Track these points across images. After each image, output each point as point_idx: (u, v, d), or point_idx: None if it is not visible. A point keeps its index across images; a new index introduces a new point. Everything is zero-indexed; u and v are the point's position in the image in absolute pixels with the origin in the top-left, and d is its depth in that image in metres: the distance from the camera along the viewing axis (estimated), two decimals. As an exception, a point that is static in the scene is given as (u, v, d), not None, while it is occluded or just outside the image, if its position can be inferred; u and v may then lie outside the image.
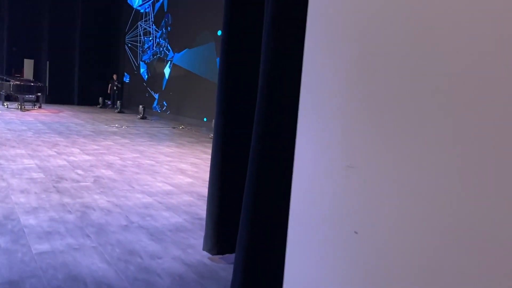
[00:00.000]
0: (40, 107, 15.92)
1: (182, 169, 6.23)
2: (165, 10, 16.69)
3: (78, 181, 5.00)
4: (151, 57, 17.85)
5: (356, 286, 1.16)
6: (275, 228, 2.22)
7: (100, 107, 18.92)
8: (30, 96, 15.43)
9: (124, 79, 20.51)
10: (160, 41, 17.06)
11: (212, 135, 10.43)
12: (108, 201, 4.26)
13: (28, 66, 20.21)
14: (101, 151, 7.29)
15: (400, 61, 1.14)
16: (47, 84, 18.77)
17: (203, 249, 2.99)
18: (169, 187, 5.04)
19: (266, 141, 2.19)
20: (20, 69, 19.87)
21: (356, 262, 1.16)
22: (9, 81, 15.44)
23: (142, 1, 18.57)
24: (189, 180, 5.53)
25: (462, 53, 0.97)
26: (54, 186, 4.67)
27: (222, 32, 2.81)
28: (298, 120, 1.63)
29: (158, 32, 17.24)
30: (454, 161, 0.97)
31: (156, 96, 17.21)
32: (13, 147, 7.09)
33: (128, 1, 19.83)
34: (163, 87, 16.65)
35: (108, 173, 5.59)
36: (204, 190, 5.00)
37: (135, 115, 15.69)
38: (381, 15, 1.23)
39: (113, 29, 20.53)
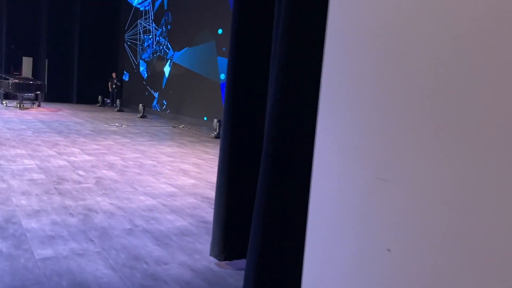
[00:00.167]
0: (39, 105, 15.82)
1: (185, 169, 6.16)
2: (165, 8, 16.58)
3: (79, 182, 4.92)
4: (151, 55, 17.75)
5: (389, 307, 1.10)
6: (289, 233, 2.15)
7: (99, 106, 18.81)
8: (29, 94, 15.32)
9: (124, 77, 20.40)
10: (160, 39, 16.96)
11: (213, 134, 10.35)
12: (111, 203, 4.19)
13: (27, 64, 20.07)
14: (101, 151, 7.21)
15: (442, 63, 1.07)
16: (45, 82, 18.65)
17: (210, 255, 2.92)
18: (172, 189, 4.96)
19: (280, 144, 2.12)
20: (18, 67, 19.73)
21: (389, 283, 1.09)
22: (8, 79, 15.32)
23: (142, -1, 18.47)
24: (192, 181, 5.45)
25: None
26: (55, 188, 4.59)
27: (231, 32, 2.74)
28: (318, 123, 1.56)
29: (158, 30, 17.13)
30: (498, 175, 0.90)
31: (156, 94, 17.11)
32: (13, 146, 7.00)
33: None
34: (163, 85, 16.55)
35: (110, 174, 5.51)
36: (208, 192, 4.93)
37: (134, 114, 15.60)
38: (411, 10, 1.16)
39: (113, 27, 20.41)
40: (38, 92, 15.63)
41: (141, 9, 18.58)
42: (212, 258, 2.95)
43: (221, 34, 13.02)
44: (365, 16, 1.32)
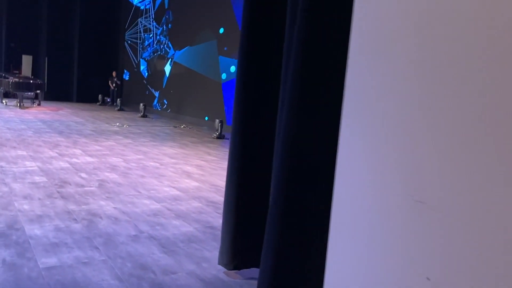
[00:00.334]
0: (39, 104, 15.73)
1: (188, 171, 6.08)
2: (166, 7, 16.48)
3: (82, 186, 4.84)
4: (152, 54, 17.65)
5: None
6: (306, 244, 2.08)
7: (100, 105, 18.71)
8: (29, 93, 15.23)
9: (124, 76, 20.30)
10: (160, 38, 16.86)
11: (214, 135, 10.27)
12: (115, 207, 4.11)
13: (27, 62, 19.96)
14: (103, 152, 7.13)
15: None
16: (45, 81, 18.54)
17: (219, 264, 2.84)
18: (176, 192, 4.88)
19: (298, 145, 2.04)
20: (18, 65, 19.62)
21: (431, 315, 1.01)
22: (7, 78, 15.22)
23: (143, -2, 18.36)
24: (196, 184, 5.38)
25: None
26: (58, 191, 4.51)
27: (241, 31, 2.65)
28: (341, 133, 1.48)
29: (158, 29, 17.04)
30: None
31: (157, 94, 17.02)
32: (14, 147, 6.92)
33: (128, -2, 19.62)
34: (164, 85, 16.47)
35: (113, 176, 5.43)
36: (212, 195, 4.85)
37: (135, 113, 15.51)
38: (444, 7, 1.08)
39: (113, 25, 20.30)
40: (38, 91, 15.53)
41: (142, 7, 18.47)
42: (220, 267, 2.88)
43: (222, 33, 12.93)
44: (396, 16, 1.25)
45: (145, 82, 18.09)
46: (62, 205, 4.06)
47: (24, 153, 6.54)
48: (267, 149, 2.59)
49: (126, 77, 20.17)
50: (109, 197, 4.45)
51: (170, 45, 16.14)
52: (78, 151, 7.04)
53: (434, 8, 1.14)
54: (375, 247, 1.23)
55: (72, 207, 4.03)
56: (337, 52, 1.96)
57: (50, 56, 19.50)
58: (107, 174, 5.54)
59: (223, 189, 5.11)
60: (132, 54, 19.44)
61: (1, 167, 5.46)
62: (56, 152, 6.78)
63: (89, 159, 6.46)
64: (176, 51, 15.64)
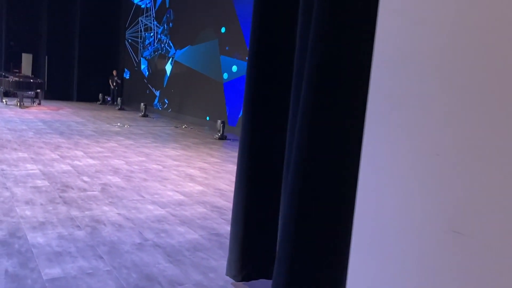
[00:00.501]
0: (39, 103, 15.64)
1: (191, 175, 6.01)
2: (167, 6, 16.38)
3: (84, 190, 4.77)
4: (152, 53, 17.56)
5: None
6: (322, 256, 2.02)
7: (100, 104, 18.62)
8: (30, 92, 15.14)
9: (124, 75, 20.21)
10: (161, 37, 16.77)
11: (216, 135, 10.20)
12: (119, 213, 4.04)
13: (27, 60, 19.85)
14: (105, 154, 7.06)
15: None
16: (45, 80, 18.45)
17: (227, 274, 2.78)
18: (180, 197, 4.82)
19: (314, 147, 1.97)
20: (18, 64, 19.52)
21: None
22: (7, 77, 15.14)
23: (143, -4, 18.25)
24: (200, 188, 5.31)
25: None
26: (60, 196, 4.44)
27: (251, 30, 2.57)
28: (364, 150, 1.41)
29: (159, 28, 16.94)
30: None
31: (157, 93, 16.94)
32: (15, 149, 6.85)
33: (129, -4, 19.52)
34: (165, 84, 16.38)
35: (115, 180, 5.36)
36: (217, 200, 4.79)
37: (136, 113, 15.43)
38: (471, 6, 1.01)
39: (113, 24, 20.19)
40: (39, 91, 15.44)
41: (142, 6, 18.37)
42: (228, 277, 2.81)
43: (224, 33, 12.85)
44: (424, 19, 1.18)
45: (145, 81, 18.00)
46: (65, 211, 3.99)
47: (25, 155, 6.47)
48: (277, 155, 2.52)
49: (127, 76, 20.08)
50: (112, 202, 4.38)
51: (171, 44, 16.05)
52: (79, 153, 6.97)
53: (460, 12, 1.07)
54: (402, 273, 1.16)
55: (75, 213, 3.96)
56: (355, 55, 1.89)
57: (50, 54, 19.40)
58: (109, 177, 5.47)
59: (228, 194, 5.08)
60: (133, 53, 19.35)
61: (2, 170, 5.39)
62: (58, 154, 6.71)
63: (91, 161, 6.39)
64: (177, 50, 15.55)
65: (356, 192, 1.97)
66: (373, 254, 1.33)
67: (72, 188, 4.80)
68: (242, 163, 2.65)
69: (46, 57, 19.44)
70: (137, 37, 18.97)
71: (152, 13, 17.55)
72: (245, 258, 2.67)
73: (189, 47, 14.75)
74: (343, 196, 1.95)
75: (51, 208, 4.05)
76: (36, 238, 3.29)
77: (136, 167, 6.24)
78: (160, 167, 6.39)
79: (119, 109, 16.56)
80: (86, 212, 4.00)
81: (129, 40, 19.67)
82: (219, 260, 3.14)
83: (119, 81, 19.09)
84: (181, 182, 5.54)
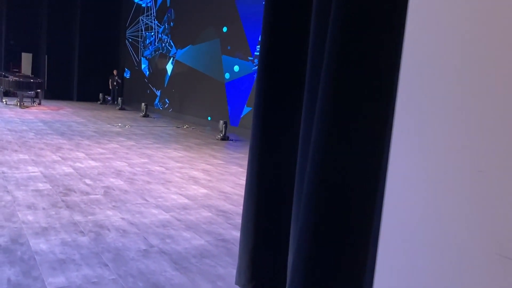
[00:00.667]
0: (39, 103, 15.55)
1: (195, 177, 5.92)
2: (168, 5, 16.29)
3: (87, 193, 4.69)
4: (153, 53, 17.47)
5: None
6: (340, 265, 1.94)
7: (100, 104, 18.52)
8: (30, 92, 15.05)
9: (125, 74, 20.12)
10: (162, 36, 16.68)
11: (219, 136, 10.11)
12: (122, 218, 3.96)
13: (26, 60, 19.75)
14: (107, 156, 6.97)
15: None
16: (45, 79, 18.34)
17: (236, 283, 2.69)
18: (184, 200, 4.73)
19: (329, 170, 1.89)
20: (18, 63, 19.42)
21: None
22: (7, 77, 15.04)
23: (144, -5, 18.15)
24: (204, 191, 5.22)
25: None
26: (62, 200, 4.36)
27: (262, 29, 2.47)
28: (392, 155, 1.33)
29: (160, 27, 16.85)
30: None
31: (158, 93, 16.85)
32: (16, 151, 6.76)
33: (129, -5, 19.42)
34: (165, 84, 16.29)
35: (118, 182, 5.28)
36: (222, 204, 4.70)
37: (136, 113, 15.34)
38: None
39: (113, 23, 20.09)
40: (39, 90, 15.35)
41: (143, 5, 18.28)
42: (237, 286, 2.73)
43: (226, 32, 12.76)
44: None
45: (146, 81, 17.91)
46: (67, 215, 3.91)
47: (26, 157, 6.38)
48: (289, 158, 2.43)
49: (127, 75, 19.98)
50: (115, 206, 4.30)
51: (172, 43, 15.96)
52: (81, 155, 6.88)
53: (494, 4, 1.00)
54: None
55: (78, 217, 3.87)
56: (375, 57, 1.81)
57: (50, 54, 19.31)
58: (112, 180, 5.38)
59: (233, 197, 5.00)
60: (133, 53, 19.25)
61: (3, 172, 5.31)
62: (59, 156, 6.62)
63: (92, 163, 6.30)
64: (178, 49, 15.46)
65: (374, 202, 1.90)
66: (401, 275, 1.25)
67: (75, 192, 4.72)
68: (252, 170, 2.56)
69: (46, 56, 19.34)
70: (137, 37, 18.87)
71: (153, 12, 17.46)
72: (256, 267, 2.58)
73: (190, 47, 14.66)
74: (361, 206, 1.87)
75: (53, 212, 3.96)
76: (39, 244, 3.20)
77: (138, 169, 6.16)
78: (163, 169, 6.30)
79: (120, 109, 16.47)
80: (90, 217, 3.92)
81: (130, 40, 19.58)
82: (227, 267, 3.06)
83: (119, 80, 19.00)
84: (184, 184, 5.46)
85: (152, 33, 17.51)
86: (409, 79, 1.29)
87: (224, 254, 3.31)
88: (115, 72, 18.87)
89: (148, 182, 5.41)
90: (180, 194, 4.96)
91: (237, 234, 3.75)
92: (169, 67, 16.09)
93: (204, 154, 7.88)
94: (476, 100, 1.06)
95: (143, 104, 14.82)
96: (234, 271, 2.82)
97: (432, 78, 1.22)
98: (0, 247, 3.09)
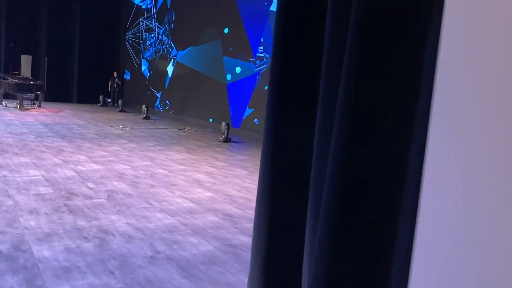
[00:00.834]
0: (39, 106, 15.44)
1: (199, 180, 5.83)
2: (168, 6, 16.20)
3: (90, 197, 4.59)
4: (153, 54, 17.37)
5: None
6: (364, 274, 1.84)
7: (100, 106, 18.41)
8: (30, 94, 14.94)
9: (125, 76, 20.02)
10: (163, 38, 16.59)
11: (221, 138, 10.01)
12: (127, 223, 3.86)
13: (26, 62, 19.66)
14: (109, 159, 6.87)
15: None
16: (45, 81, 18.23)
17: (248, 292, 2.59)
18: (189, 204, 4.63)
19: (350, 175, 1.79)
20: (17, 65, 19.32)
21: None
22: (7, 79, 14.94)
23: (144, -3, 18.07)
24: (209, 194, 5.12)
25: None
26: (65, 204, 4.26)
27: (275, 29, 2.38)
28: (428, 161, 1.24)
29: (160, 29, 16.76)
30: None
31: (159, 94, 16.75)
32: (16, 154, 6.66)
33: (129, -3, 19.34)
34: (166, 85, 16.19)
35: (121, 186, 5.18)
36: (228, 208, 4.61)
37: (137, 115, 15.24)
38: None
39: (113, 25, 19.99)
40: (39, 92, 15.24)
41: (143, 7, 18.19)
42: (248, 295, 2.63)
43: (227, 33, 12.67)
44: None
45: (146, 82, 17.81)
46: (71, 220, 3.81)
47: (27, 160, 6.28)
48: (304, 162, 2.33)
49: (127, 77, 19.89)
50: (119, 211, 4.20)
51: (172, 45, 15.87)
52: (83, 157, 6.78)
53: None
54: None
55: (81, 222, 3.77)
56: (403, 49, 1.71)
57: (50, 56, 19.20)
58: (115, 183, 5.28)
59: (238, 200, 4.90)
60: (134, 54, 19.16)
61: (4, 176, 5.21)
62: (60, 159, 6.52)
63: (94, 166, 6.20)
64: (179, 51, 15.37)
65: (399, 206, 1.80)
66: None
67: (77, 196, 4.61)
68: (266, 172, 2.46)
69: (46, 58, 19.24)
70: (137, 38, 18.78)
71: (153, 14, 17.37)
72: (269, 276, 2.48)
73: (191, 48, 14.57)
74: (387, 208, 1.77)
75: (56, 217, 3.86)
76: (42, 251, 3.10)
77: (141, 172, 6.06)
78: (166, 171, 6.20)
79: (120, 111, 16.36)
80: (93, 222, 3.81)
81: (130, 41, 19.49)
82: (237, 274, 2.96)
83: (119, 82, 18.90)
84: (189, 188, 5.36)
85: (153, 35, 17.42)
86: (447, 80, 1.20)
87: (233, 261, 3.21)
88: (115, 74, 18.77)
89: (152, 186, 5.31)
90: (185, 198, 4.86)
91: (244, 239, 3.66)
92: (170, 69, 16.00)
93: (207, 156, 7.78)
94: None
95: (143, 106, 14.72)
96: (244, 279, 2.73)
97: (471, 79, 1.13)
98: (2, 254, 2.99)
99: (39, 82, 15.42)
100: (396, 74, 1.76)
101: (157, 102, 16.79)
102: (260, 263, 2.49)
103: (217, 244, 3.52)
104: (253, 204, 4.80)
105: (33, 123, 10.90)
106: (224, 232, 3.82)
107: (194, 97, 14.31)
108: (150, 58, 17.64)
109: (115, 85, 18.71)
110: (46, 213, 3.95)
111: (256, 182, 5.88)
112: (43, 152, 7.01)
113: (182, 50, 15.15)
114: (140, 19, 18.46)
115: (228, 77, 12.54)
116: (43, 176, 5.37)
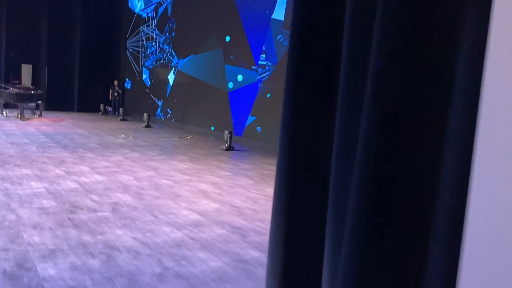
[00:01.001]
0: (40, 115, 15.36)
1: (204, 190, 5.72)
2: (169, 15, 16.18)
3: (94, 211, 4.49)
4: (154, 63, 17.33)
5: None
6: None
7: (101, 114, 18.33)
8: (30, 104, 14.87)
9: (126, 85, 19.97)
10: (163, 46, 16.55)
11: (223, 146, 9.92)
12: (134, 237, 3.76)
13: (26, 71, 19.62)
14: (112, 169, 6.77)
15: None
16: (45, 90, 18.17)
17: (263, 312, 2.49)
18: (196, 216, 4.53)
19: (379, 179, 1.70)
20: (18, 75, 19.28)
21: None
22: (8, 89, 14.87)
23: (145, 6, 18.06)
24: (215, 205, 5.02)
25: None
26: (69, 219, 4.16)
27: (291, 29, 2.28)
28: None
29: (161, 37, 16.73)
30: None
31: (160, 103, 16.68)
32: (18, 165, 6.56)
33: (130, 6, 19.33)
34: (167, 94, 16.13)
35: (126, 198, 5.08)
36: (235, 220, 4.50)
37: (138, 123, 15.16)
38: None
39: (114, 33, 19.97)
40: (39, 102, 15.18)
41: (144, 16, 18.18)
42: (262, 314, 2.52)
43: (228, 41, 12.62)
44: None
45: (147, 91, 17.75)
46: (75, 235, 3.71)
47: (29, 171, 6.18)
48: (323, 168, 2.22)
49: (128, 86, 19.83)
50: (125, 224, 4.10)
51: (173, 53, 15.83)
52: (85, 168, 6.68)
53: None
54: None
55: (86, 238, 3.67)
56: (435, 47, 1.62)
57: (50, 65, 19.16)
58: (119, 195, 5.18)
59: (245, 211, 4.80)
60: (134, 63, 19.12)
61: (6, 189, 5.11)
62: (63, 170, 6.42)
63: (98, 177, 6.10)
64: (180, 59, 15.32)
65: (433, 208, 1.70)
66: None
67: (81, 209, 4.51)
68: (281, 183, 2.35)
69: (46, 67, 19.20)
70: (138, 47, 18.75)
71: (154, 22, 17.35)
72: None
73: (193, 56, 14.52)
74: (418, 215, 1.67)
75: (60, 232, 3.76)
76: (47, 269, 3.00)
77: (145, 183, 5.96)
78: (171, 182, 6.10)
79: (122, 120, 16.28)
80: (99, 237, 3.71)
81: (130, 50, 19.45)
82: (249, 292, 2.86)
83: (120, 91, 18.85)
84: (194, 199, 5.25)
85: (153, 43, 17.39)
86: (496, 82, 1.12)
87: (244, 277, 3.10)
88: (115, 82, 18.72)
89: (157, 197, 5.21)
90: (191, 210, 4.76)
91: (255, 253, 3.55)
92: (171, 77, 15.94)
93: (210, 166, 7.69)
94: None
95: (145, 114, 14.64)
96: (258, 297, 2.62)
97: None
98: (6, 273, 2.88)
99: (40, 92, 15.37)
100: (425, 72, 1.67)
101: (158, 110, 16.71)
102: (277, 283, 2.38)
103: (227, 259, 3.42)
104: (260, 216, 4.69)
105: (34, 133, 10.81)
106: (234, 246, 3.72)
107: (195, 105, 14.23)
108: (151, 67, 17.59)
109: (115, 94, 18.66)
110: (50, 228, 3.85)
111: (262, 192, 5.79)
112: (45, 163, 6.91)
113: (183, 59, 15.10)
114: (141, 27, 18.44)
115: (230, 85, 12.48)
116: (46, 188, 5.27)
